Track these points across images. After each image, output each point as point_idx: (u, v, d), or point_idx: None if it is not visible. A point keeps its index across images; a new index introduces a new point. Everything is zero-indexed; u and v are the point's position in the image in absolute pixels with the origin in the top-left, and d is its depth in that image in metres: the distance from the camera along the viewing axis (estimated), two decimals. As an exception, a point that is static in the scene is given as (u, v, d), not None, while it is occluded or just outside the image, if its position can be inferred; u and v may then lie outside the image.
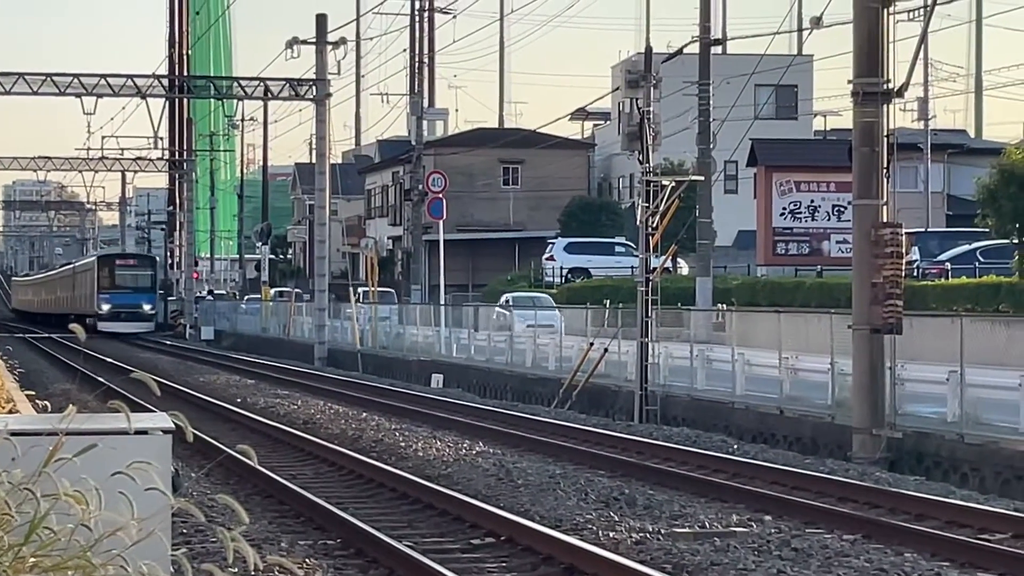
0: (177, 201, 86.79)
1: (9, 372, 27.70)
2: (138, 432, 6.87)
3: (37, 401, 11.39)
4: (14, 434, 6.83)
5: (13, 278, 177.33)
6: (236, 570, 5.68)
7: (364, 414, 32.51)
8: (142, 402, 24.57)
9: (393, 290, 63.75)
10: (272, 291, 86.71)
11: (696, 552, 15.60)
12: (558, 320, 46.43)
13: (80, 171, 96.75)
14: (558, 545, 15.57)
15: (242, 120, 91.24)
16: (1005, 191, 42.59)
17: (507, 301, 55.31)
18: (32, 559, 5.29)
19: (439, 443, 25.87)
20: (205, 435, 23.97)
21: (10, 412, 13.74)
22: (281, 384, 44.31)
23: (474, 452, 24.78)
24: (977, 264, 45.83)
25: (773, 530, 16.99)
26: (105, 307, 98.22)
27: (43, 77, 59.99)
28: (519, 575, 14.86)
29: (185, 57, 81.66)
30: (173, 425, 7.19)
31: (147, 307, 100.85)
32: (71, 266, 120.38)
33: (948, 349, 26.82)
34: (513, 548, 16.13)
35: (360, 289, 66.15)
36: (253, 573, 5.98)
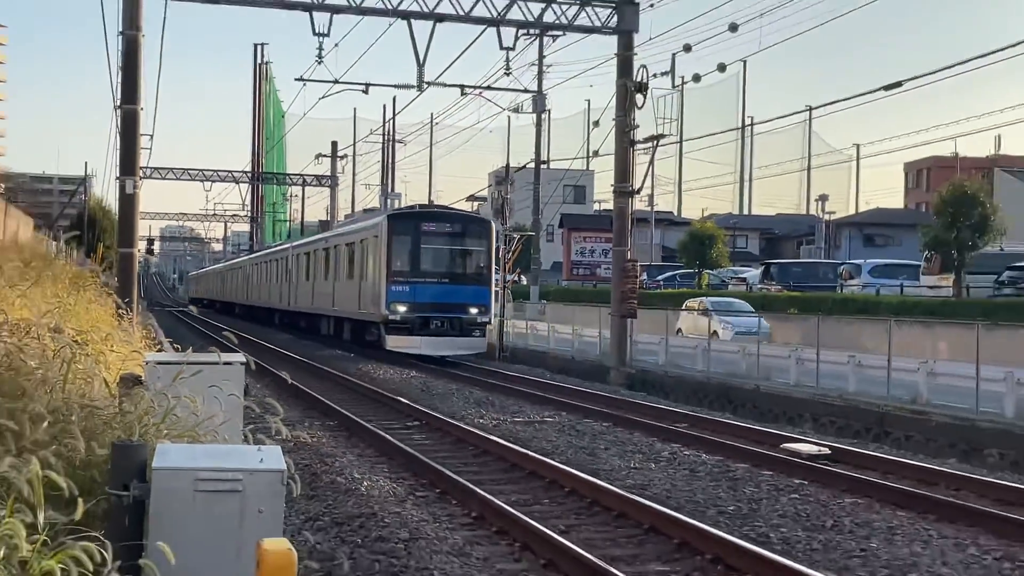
0: (254, 240, 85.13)
1: (160, 329, 27.16)
2: (225, 363, 6.82)
3: (175, 345, 11.23)
4: (159, 363, 6.78)
5: (190, 272, 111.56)
6: (279, 438, 5.62)
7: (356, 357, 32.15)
8: (235, 349, 24.11)
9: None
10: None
11: (525, 430, 15.70)
12: (764, 327, 26.53)
13: (201, 221, 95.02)
14: (452, 426, 15.65)
15: (291, 196, 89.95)
16: (691, 244, 43.55)
17: (704, 305, 30.70)
18: (165, 431, 5.25)
19: (389, 371, 25.64)
20: (265, 365, 23.60)
21: (159, 352, 13.49)
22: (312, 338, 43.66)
23: (409, 376, 24.57)
24: (677, 282, 46.51)
25: (566, 420, 17.12)
26: (401, 308, 27.36)
27: (182, 170, 58.82)
28: (431, 441, 14.80)
29: (261, 160, 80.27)
30: (245, 359, 7.15)
31: (475, 310, 27.85)
32: (331, 235, 37.59)
33: (661, 326, 27.25)
34: (427, 427, 16.15)
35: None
36: (286, 440, 5.94)
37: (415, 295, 27.42)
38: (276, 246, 54.97)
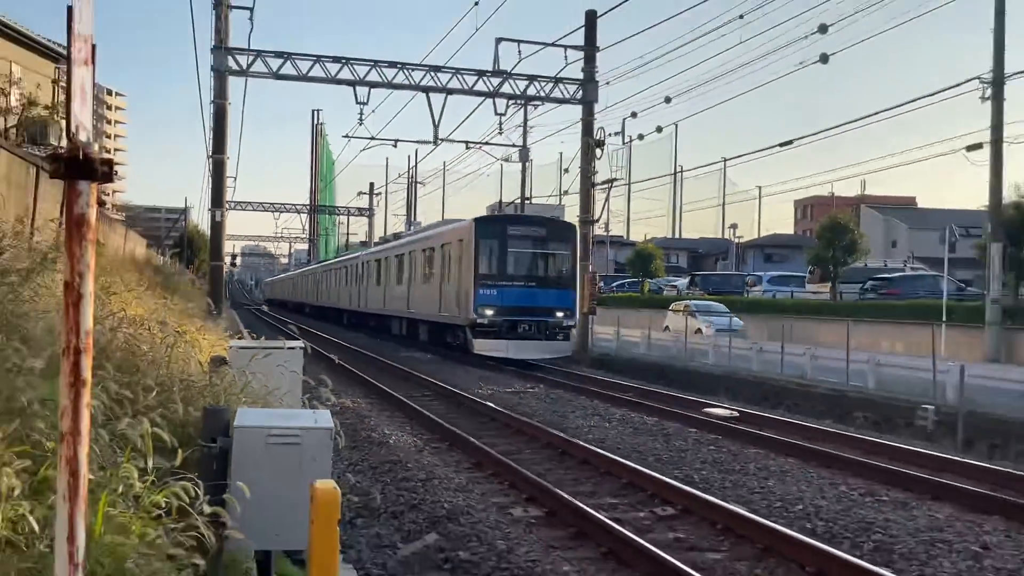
0: (311, 256, 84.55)
1: (240, 322, 26.94)
2: (288, 348, 6.79)
3: (251, 334, 11.14)
4: (240, 348, 6.73)
5: (267, 279, 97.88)
6: (328, 404, 5.60)
7: (392, 344, 31.84)
8: (296, 335, 23.69)
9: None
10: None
11: (512, 398, 15.61)
12: (740, 324, 25.36)
13: (271, 241, 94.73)
14: (459, 395, 15.49)
15: (338, 223, 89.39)
16: (636, 260, 43.40)
17: (688, 307, 27.27)
18: (243, 399, 5.23)
19: (414, 354, 25.25)
20: (320, 350, 23.35)
21: (240, 339, 13.45)
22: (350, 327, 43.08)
23: (425, 358, 24.31)
24: (626, 288, 46.40)
25: (543, 391, 17.04)
26: (488, 312, 20.51)
27: (258, 203, 58.53)
28: (440, 404, 14.69)
29: (316, 196, 79.92)
30: (303, 345, 7.11)
31: (561, 314, 20.93)
32: (404, 242, 29.30)
33: (614, 321, 27.16)
34: (440, 396, 16.00)
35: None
36: (334, 405, 5.92)
37: (502, 299, 20.95)
38: (345, 255, 45.36)
